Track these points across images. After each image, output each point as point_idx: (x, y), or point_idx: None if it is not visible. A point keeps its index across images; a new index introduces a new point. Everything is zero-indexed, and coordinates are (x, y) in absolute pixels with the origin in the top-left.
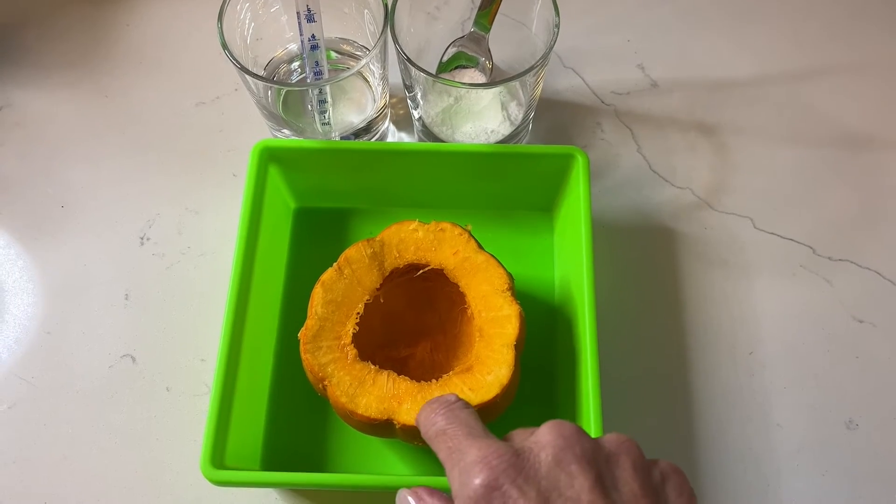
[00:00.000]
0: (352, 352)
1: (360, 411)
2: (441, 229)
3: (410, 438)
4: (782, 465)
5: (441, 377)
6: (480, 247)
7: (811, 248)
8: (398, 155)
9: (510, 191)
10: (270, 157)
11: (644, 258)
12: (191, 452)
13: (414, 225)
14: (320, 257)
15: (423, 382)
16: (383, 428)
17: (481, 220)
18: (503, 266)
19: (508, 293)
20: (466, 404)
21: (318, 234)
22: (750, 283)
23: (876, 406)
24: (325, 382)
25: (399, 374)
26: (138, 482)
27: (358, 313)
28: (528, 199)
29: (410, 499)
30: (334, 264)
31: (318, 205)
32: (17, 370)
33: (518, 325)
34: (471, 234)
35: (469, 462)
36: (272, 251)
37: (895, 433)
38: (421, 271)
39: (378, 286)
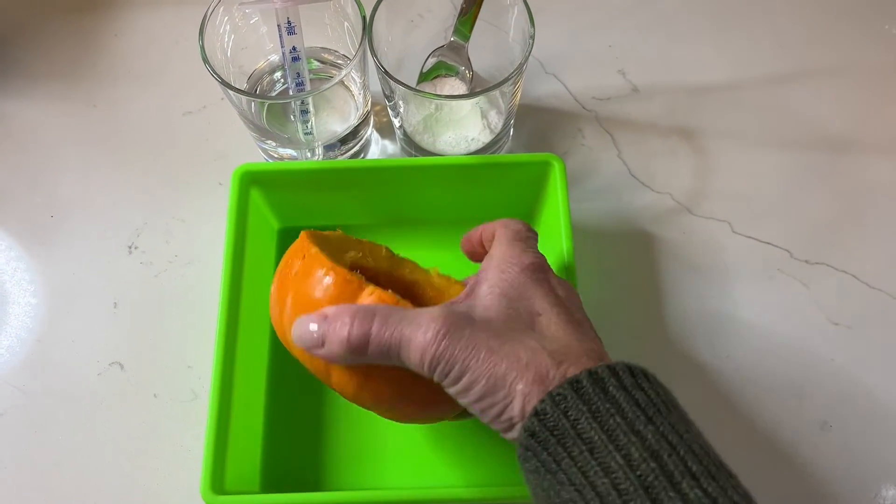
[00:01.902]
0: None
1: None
2: (452, 283)
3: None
4: (757, 467)
5: None
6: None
7: (788, 251)
8: (377, 171)
9: (491, 200)
10: (252, 180)
11: (624, 263)
12: (178, 458)
13: (435, 270)
14: None
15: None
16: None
17: (464, 230)
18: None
19: (441, 274)
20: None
21: None
22: (728, 286)
23: (850, 408)
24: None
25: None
26: (127, 487)
27: (358, 263)
28: (508, 208)
29: (313, 326)
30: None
31: (301, 224)
32: (8, 378)
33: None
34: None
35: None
36: (258, 273)
37: (869, 435)
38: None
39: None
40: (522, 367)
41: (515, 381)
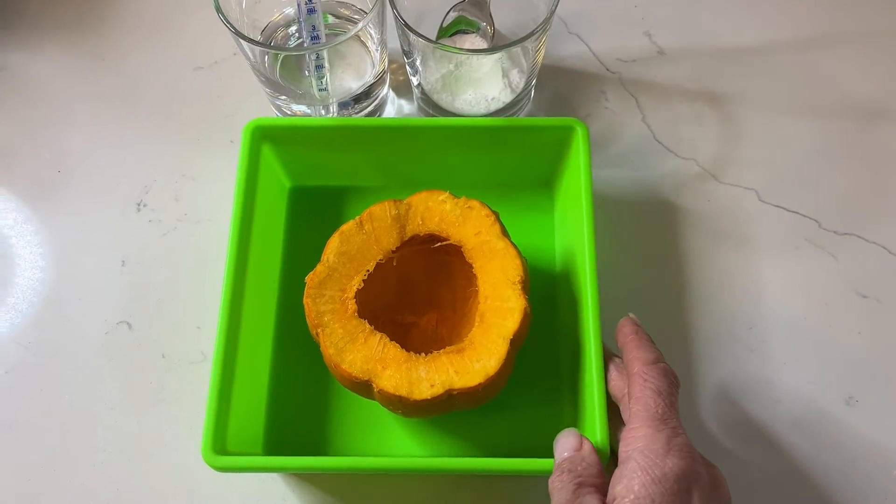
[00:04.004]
0: (352, 306)
1: (344, 366)
2: (469, 206)
3: (386, 403)
4: (780, 441)
5: (432, 352)
6: (505, 233)
7: (817, 221)
8: (393, 130)
9: (509, 165)
10: (263, 135)
11: (646, 230)
12: (186, 419)
13: (444, 196)
14: (316, 236)
15: (411, 353)
16: (363, 387)
17: (480, 196)
18: (522, 257)
19: (519, 286)
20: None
21: (313, 213)
22: (753, 256)
23: (877, 383)
24: (319, 330)
25: (395, 340)
26: (134, 448)
27: (368, 271)
28: (527, 174)
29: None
30: (357, 217)
31: (313, 183)
32: (14, 335)
33: (520, 320)
34: (497, 218)
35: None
36: (268, 231)
37: (895, 411)
38: (438, 244)
39: (395, 248)
40: None
41: None
